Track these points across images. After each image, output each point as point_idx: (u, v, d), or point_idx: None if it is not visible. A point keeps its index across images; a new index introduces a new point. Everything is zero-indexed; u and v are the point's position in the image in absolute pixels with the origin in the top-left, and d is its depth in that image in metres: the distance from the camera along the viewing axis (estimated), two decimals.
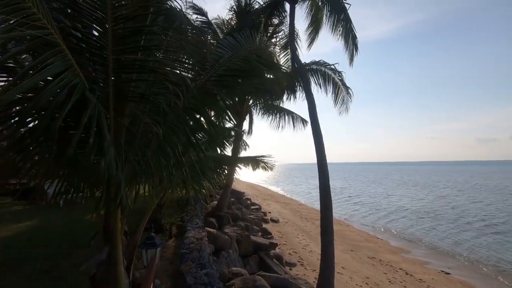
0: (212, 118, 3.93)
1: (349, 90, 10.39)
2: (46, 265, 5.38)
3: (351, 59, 9.10)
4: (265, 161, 11.87)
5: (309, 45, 11.22)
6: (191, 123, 3.15)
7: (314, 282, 7.98)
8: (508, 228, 18.44)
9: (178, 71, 3.06)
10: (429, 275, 10.61)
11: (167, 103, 2.54)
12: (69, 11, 2.36)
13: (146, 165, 2.74)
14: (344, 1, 8.70)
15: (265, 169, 12.12)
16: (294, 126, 15.13)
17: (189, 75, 3.26)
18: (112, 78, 2.31)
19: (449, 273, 10.97)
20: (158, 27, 2.65)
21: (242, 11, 11.40)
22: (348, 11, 8.64)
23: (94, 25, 2.23)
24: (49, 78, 1.80)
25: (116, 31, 2.20)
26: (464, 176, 76.53)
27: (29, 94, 2.01)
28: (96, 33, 2.29)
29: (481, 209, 25.27)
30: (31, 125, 2.10)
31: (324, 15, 9.35)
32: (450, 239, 16.12)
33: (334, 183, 48.02)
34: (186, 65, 3.29)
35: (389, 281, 9.68)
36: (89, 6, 2.11)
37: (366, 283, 9.34)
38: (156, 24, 2.61)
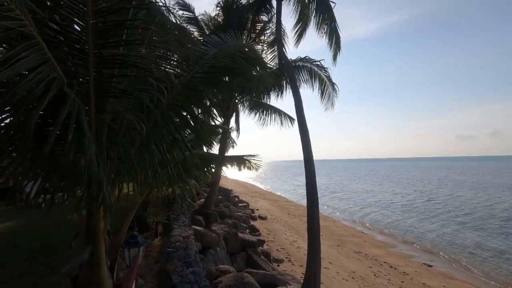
0: (199, 115, 3.88)
1: (335, 86, 10.51)
2: (27, 267, 5.20)
3: (334, 58, 9.20)
4: (251, 160, 11.83)
5: (296, 43, 11.20)
6: (177, 120, 3.10)
7: (301, 277, 8.06)
8: (477, 218, 19.68)
9: (162, 67, 3.00)
10: (412, 268, 10.95)
11: (150, 99, 2.48)
12: (48, 3, 2.26)
13: (130, 163, 2.67)
14: (330, 0, 8.76)
15: (250, 168, 12.04)
16: (282, 123, 15.13)
17: (174, 71, 3.19)
18: (93, 73, 2.24)
19: (431, 266, 11.37)
20: (140, 21, 2.58)
21: (229, 7, 11.20)
22: (333, 10, 8.72)
23: (74, 18, 2.15)
24: (25, 72, 1.72)
25: (97, 25, 2.12)
26: (443, 171, 79.08)
27: (3, 90, 1.92)
28: (76, 26, 2.20)
29: (454, 202, 26.53)
30: (6, 121, 2.01)
31: (311, 13, 9.37)
32: (426, 231, 16.81)
33: (320, 180, 48.43)
34: (170, 61, 3.23)
35: (374, 275, 9.92)
36: None
37: (352, 277, 9.53)
38: (138, 18, 2.55)
